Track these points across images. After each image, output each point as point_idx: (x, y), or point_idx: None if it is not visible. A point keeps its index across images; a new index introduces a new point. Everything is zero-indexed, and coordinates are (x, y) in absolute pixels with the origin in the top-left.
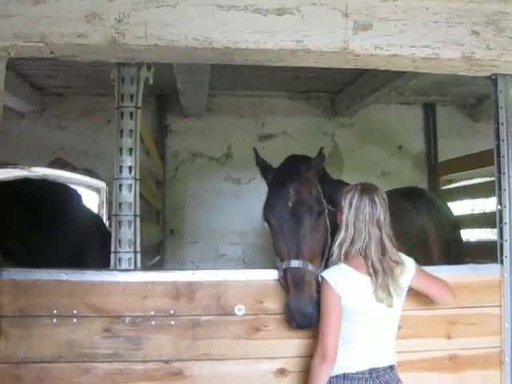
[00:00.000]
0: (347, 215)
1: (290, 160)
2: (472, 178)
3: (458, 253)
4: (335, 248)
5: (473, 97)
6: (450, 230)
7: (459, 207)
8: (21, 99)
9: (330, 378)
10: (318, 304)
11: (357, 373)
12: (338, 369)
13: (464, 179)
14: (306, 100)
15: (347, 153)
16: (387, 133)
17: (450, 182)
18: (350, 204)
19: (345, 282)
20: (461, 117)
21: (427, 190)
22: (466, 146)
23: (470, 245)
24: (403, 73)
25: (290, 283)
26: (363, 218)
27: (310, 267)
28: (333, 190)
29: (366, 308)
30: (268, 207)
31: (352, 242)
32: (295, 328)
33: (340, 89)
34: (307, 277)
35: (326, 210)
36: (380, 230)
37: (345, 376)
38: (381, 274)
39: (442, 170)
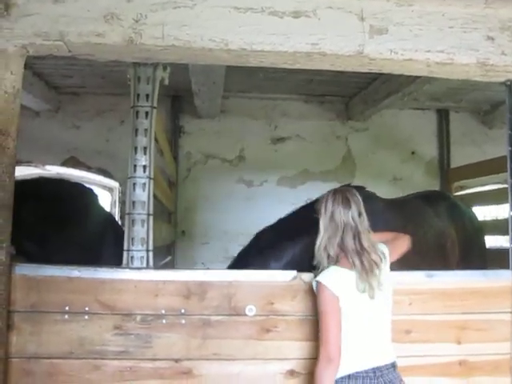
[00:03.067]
0: (323, 220)
1: None
2: (484, 184)
3: (481, 258)
4: (320, 253)
5: (487, 103)
6: (473, 235)
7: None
8: (36, 97)
9: (335, 379)
10: None
11: (361, 372)
12: (342, 370)
13: (476, 186)
14: (320, 104)
15: (360, 157)
16: (400, 138)
17: (462, 188)
18: (325, 209)
19: (340, 283)
20: (474, 123)
21: (451, 195)
22: (479, 152)
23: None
24: (417, 78)
25: None
26: (338, 217)
27: None
28: None
29: (359, 304)
30: None
31: (329, 240)
32: None
33: (354, 93)
34: None
35: None
36: (356, 224)
37: (349, 376)
38: (362, 267)
39: (454, 176)
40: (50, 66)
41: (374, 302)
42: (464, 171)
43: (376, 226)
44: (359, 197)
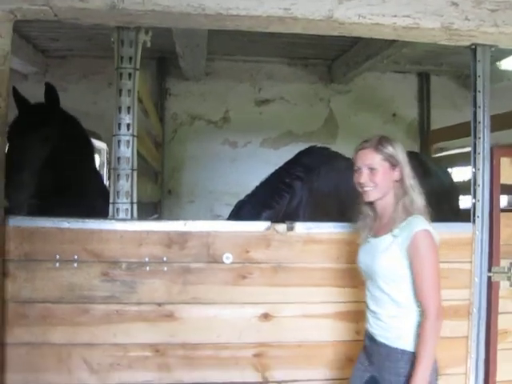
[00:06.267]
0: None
1: None
2: (464, 146)
3: (453, 217)
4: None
5: (467, 67)
6: (443, 195)
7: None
8: (24, 61)
9: None
10: None
11: None
12: None
13: (456, 147)
14: (304, 66)
15: (342, 119)
16: (382, 100)
17: (442, 149)
18: (404, 157)
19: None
20: (454, 86)
21: (420, 154)
22: (458, 115)
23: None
24: (395, 41)
25: None
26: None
27: None
28: None
29: None
30: None
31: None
32: None
33: (336, 56)
34: None
35: None
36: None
37: None
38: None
39: (434, 137)
40: (38, 30)
41: None
42: (443, 133)
43: (339, 183)
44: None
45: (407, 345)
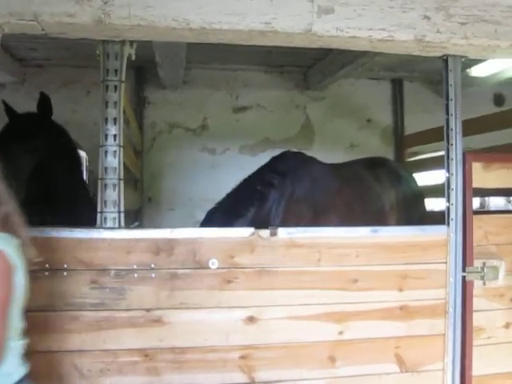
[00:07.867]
0: None
1: None
2: (437, 150)
3: (420, 222)
4: None
5: (439, 73)
6: (412, 200)
7: (424, 178)
8: (1, 70)
9: None
10: None
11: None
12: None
13: (429, 152)
14: (280, 74)
15: (318, 125)
16: (357, 106)
17: (416, 154)
18: None
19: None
20: (427, 92)
21: (390, 161)
22: (431, 120)
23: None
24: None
25: None
26: None
27: None
28: None
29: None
30: None
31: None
32: None
33: (312, 64)
34: None
35: None
36: None
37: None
38: None
39: (407, 142)
40: (15, 40)
41: None
42: (417, 138)
43: (313, 188)
44: None
45: None
